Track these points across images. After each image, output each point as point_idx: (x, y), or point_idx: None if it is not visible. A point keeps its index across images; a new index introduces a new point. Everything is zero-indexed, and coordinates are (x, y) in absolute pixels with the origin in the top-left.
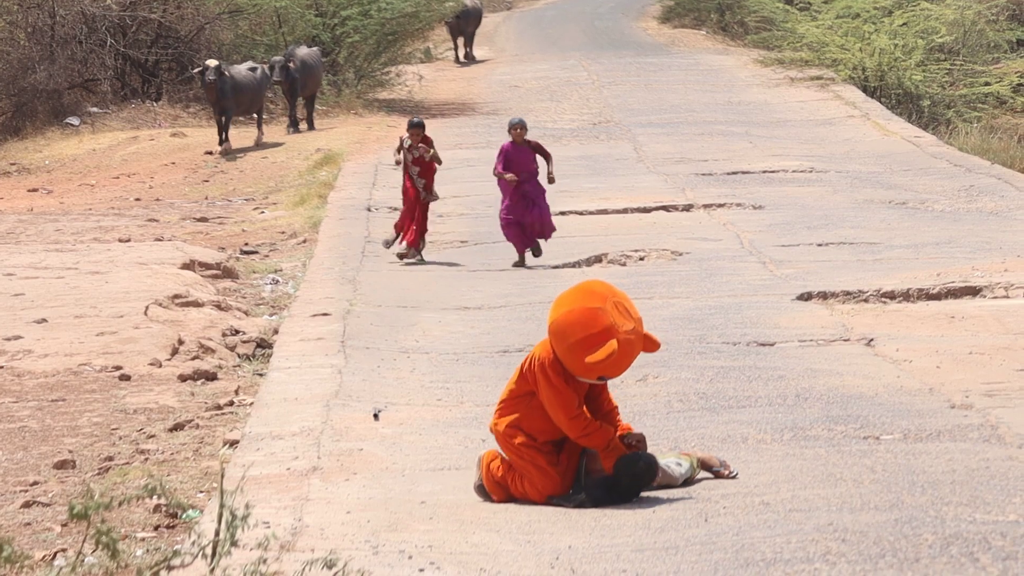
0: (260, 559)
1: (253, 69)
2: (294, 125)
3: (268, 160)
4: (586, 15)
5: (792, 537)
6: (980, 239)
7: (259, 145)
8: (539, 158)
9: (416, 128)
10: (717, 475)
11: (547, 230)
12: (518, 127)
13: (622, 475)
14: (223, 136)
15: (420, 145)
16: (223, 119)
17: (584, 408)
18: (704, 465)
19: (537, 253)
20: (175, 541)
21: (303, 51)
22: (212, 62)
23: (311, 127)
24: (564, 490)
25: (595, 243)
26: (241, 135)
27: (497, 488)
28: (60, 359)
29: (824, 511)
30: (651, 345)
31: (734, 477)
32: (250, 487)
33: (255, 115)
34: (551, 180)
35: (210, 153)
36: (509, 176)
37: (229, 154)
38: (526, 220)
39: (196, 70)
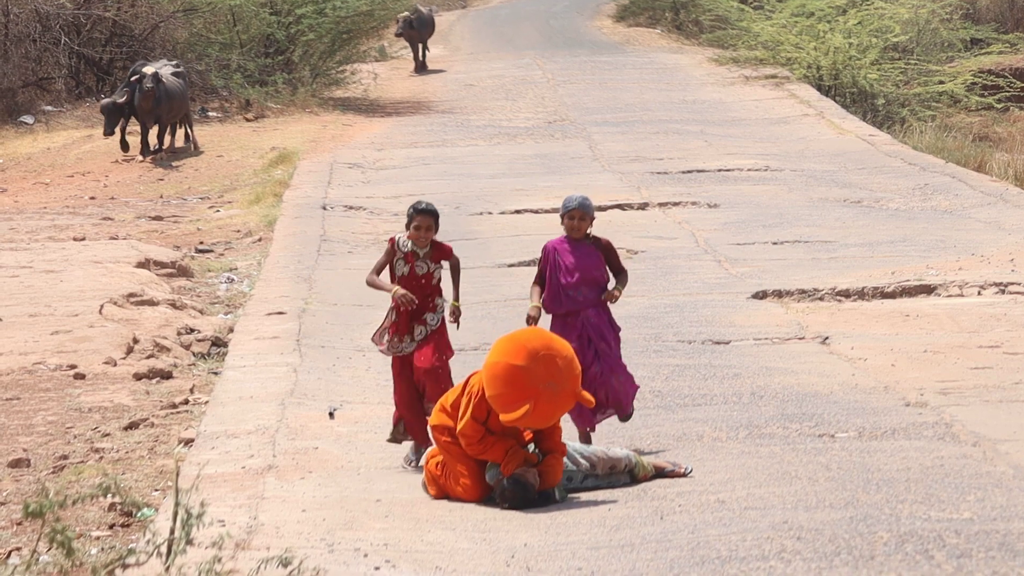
0: (215, 558)
1: (177, 74)
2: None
3: (223, 159)
4: (541, 14)
5: (747, 535)
6: (935, 237)
7: (174, 151)
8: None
9: (425, 216)
10: (671, 475)
11: (624, 398)
12: (576, 213)
13: (498, 495)
14: (159, 144)
15: (423, 252)
16: (157, 127)
17: (481, 435)
18: (658, 471)
19: (625, 416)
20: (130, 540)
21: (155, 67)
22: (149, 69)
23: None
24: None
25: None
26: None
27: (432, 483)
28: (14, 358)
29: (779, 509)
30: (585, 402)
31: (688, 474)
32: (205, 486)
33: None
34: (611, 298)
35: (154, 153)
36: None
37: (165, 161)
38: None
39: (134, 78)
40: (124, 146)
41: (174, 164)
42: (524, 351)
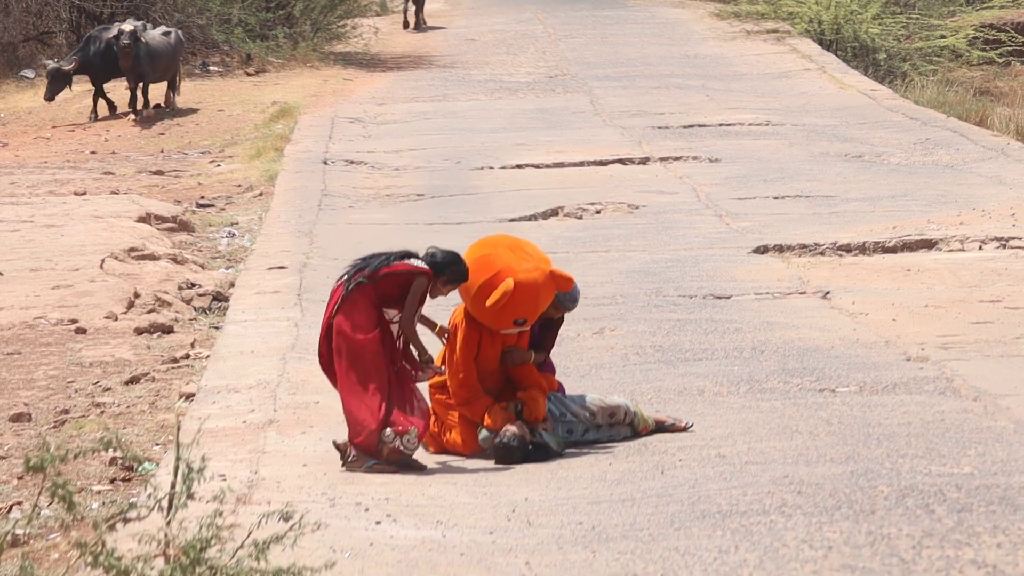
0: (216, 512)
1: (167, 33)
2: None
3: (224, 113)
4: None
5: (748, 489)
6: (936, 192)
7: (172, 109)
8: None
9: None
10: (672, 429)
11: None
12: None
13: (494, 452)
14: (135, 103)
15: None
16: (139, 86)
17: (473, 378)
18: (658, 424)
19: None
20: (131, 494)
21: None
22: (127, 26)
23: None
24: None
25: (552, 196)
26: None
27: (431, 440)
28: (16, 312)
29: (780, 463)
30: (563, 283)
31: (689, 428)
32: (206, 440)
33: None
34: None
35: (135, 114)
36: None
37: (148, 121)
38: None
39: (110, 35)
40: (95, 115)
41: (174, 119)
42: (489, 242)
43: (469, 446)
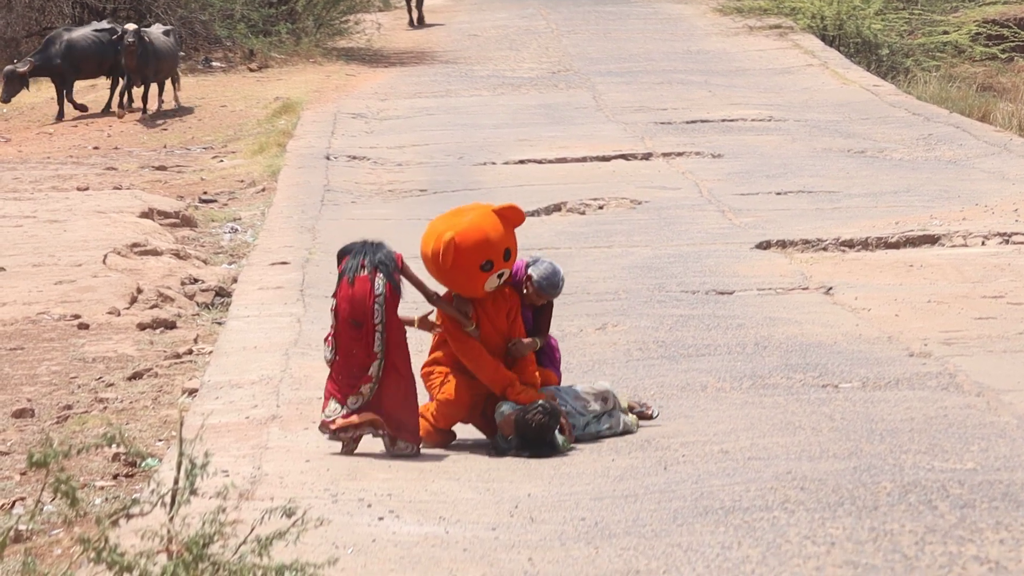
0: (219, 508)
1: (167, 32)
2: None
3: (227, 109)
4: None
5: (751, 485)
6: (938, 188)
7: (177, 105)
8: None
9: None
10: (641, 415)
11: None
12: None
13: (523, 425)
14: (131, 102)
15: None
16: (143, 87)
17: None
18: (630, 407)
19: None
20: (134, 490)
21: (76, 33)
22: (131, 25)
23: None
24: (467, 410)
25: (554, 191)
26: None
27: (428, 436)
28: (18, 308)
29: (783, 459)
30: (510, 212)
31: (655, 417)
32: (209, 436)
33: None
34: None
35: (136, 108)
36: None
37: (151, 121)
38: None
39: (114, 35)
40: (60, 115)
41: (177, 115)
42: (429, 224)
43: (460, 398)
